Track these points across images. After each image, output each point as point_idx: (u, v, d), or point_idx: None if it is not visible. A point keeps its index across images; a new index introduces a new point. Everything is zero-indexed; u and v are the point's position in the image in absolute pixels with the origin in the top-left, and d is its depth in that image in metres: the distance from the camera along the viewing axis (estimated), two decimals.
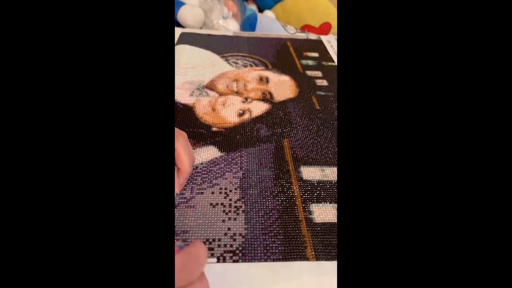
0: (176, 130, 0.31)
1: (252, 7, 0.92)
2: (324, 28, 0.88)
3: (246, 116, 0.40)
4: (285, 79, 0.49)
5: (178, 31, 0.62)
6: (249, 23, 0.84)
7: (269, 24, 0.84)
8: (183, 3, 0.76)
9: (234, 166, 0.33)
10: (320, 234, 0.27)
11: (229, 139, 0.36)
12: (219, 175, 0.32)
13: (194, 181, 0.31)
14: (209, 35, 0.61)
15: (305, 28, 0.88)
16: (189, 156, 0.29)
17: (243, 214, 0.28)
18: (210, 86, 0.45)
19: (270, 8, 0.92)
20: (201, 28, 0.73)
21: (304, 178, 0.32)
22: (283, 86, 0.47)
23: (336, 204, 0.30)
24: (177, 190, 0.29)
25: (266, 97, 0.44)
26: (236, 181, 0.31)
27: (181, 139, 0.29)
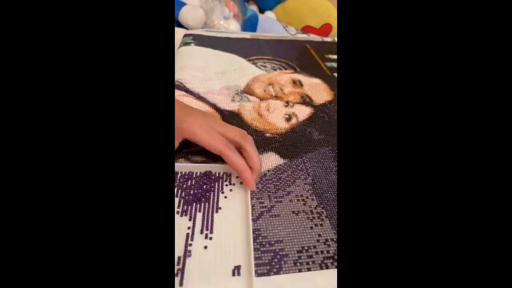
0: (244, 132, 0.32)
1: (253, 7, 0.92)
2: (325, 29, 0.89)
3: (294, 121, 0.40)
4: (317, 81, 0.50)
5: (182, 32, 0.61)
6: (250, 24, 0.83)
7: (270, 25, 0.85)
8: (184, 4, 0.74)
9: (301, 173, 0.33)
10: None
11: (285, 145, 0.36)
12: (290, 182, 0.32)
13: (268, 189, 0.31)
14: (228, 38, 0.60)
15: (306, 29, 0.89)
16: (258, 156, 0.30)
17: (327, 219, 0.28)
18: (248, 91, 0.45)
19: (271, 9, 0.92)
20: (202, 28, 0.72)
21: None
22: (317, 89, 0.48)
23: None
24: (253, 188, 0.29)
25: (306, 100, 0.45)
26: (308, 188, 0.31)
27: (249, 140, 0.31)
